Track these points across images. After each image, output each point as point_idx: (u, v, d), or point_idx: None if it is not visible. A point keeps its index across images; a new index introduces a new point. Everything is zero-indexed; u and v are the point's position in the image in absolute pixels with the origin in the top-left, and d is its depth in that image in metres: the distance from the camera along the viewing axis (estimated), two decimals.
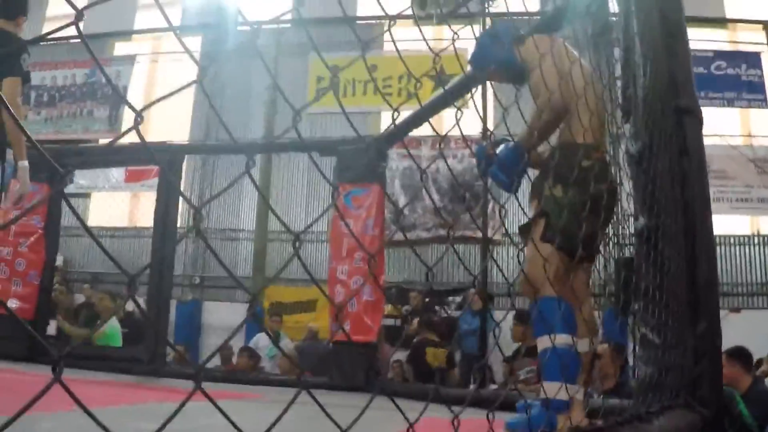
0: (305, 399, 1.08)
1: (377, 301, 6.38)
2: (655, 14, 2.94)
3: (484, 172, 3.67)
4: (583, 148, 3.37)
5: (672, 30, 2.96)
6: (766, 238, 13.18)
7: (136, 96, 15.79)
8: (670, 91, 2.92)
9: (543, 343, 3.20)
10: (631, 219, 3.45)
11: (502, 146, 3.62)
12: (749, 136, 13.62)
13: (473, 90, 4.34)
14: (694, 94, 3.04)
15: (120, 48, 16.72)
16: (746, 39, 14.05)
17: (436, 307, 12.22)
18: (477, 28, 10.85)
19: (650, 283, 2.79)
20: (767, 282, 12.86)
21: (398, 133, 6.74)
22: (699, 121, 3.02)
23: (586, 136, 3.35)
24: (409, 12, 14.54)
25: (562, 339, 3.08)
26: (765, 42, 13.85)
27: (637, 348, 2.84)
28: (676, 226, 2.81)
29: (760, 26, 14.01)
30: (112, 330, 8.65)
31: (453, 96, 5.57)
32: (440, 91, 6.27)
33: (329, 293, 6.51)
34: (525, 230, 3.49)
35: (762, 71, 13.70)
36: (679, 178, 2.86)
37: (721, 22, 14.06)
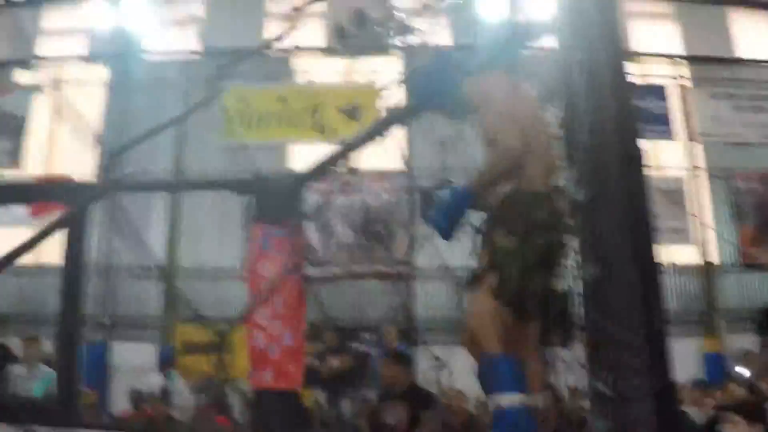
0: None
1: (298, 347, 6.13)
2: (602, 58, 2.83)
3: (424, 215, 3.48)
4: (535, 197, 3.22)
5: (617, 75, 2.86)
6: (678, 268, 13.49)
7: (40, 126, 15.21)
8: (617, 138, 2.81)
9: (491, 403, 3.04)
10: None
11: (446, 189, 3.41)
12: (658, 168, 13.93)
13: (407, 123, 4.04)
14: (638, 140, 2.94)
15: (21, 76, 16.04)
16: (652, 72, 14.40)
17: (352, 345, 12.00)
18: (394, 61, 10.89)
19: (601, 335, 2.69)
20: (681, 311, 13.12)
21: (319, 170, 6.49)
22: (643, 168, 2.93)
23: (539, 183, 3.21)
24: (321, 44, 14.49)
25: (510, 398, 2.93)
26: (671, 75, 14.25)
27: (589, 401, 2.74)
28: (628, 275, 2.71)
29: (666, 59, 14.42)
30: (48, 377, 8.20)
31: (383, 130, 5.31)
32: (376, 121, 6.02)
33: (247, 338, 6.25)
34: (472, 281, 3.31)
35: (668, 104, 14.07)
36: (628, 227, 2.76)
37: (630, 56, 14.37)
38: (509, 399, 2.93)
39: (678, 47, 14.95)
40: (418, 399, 6.62)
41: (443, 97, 3.54)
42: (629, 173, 2.81)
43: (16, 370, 8.80)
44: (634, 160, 2.85)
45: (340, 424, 9.23)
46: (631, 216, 2.76)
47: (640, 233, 2.76)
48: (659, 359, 2.70)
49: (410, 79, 3.82)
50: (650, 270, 2.75)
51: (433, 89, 3.58)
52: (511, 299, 3.09)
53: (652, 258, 2.80)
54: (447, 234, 3.32)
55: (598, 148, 2.82)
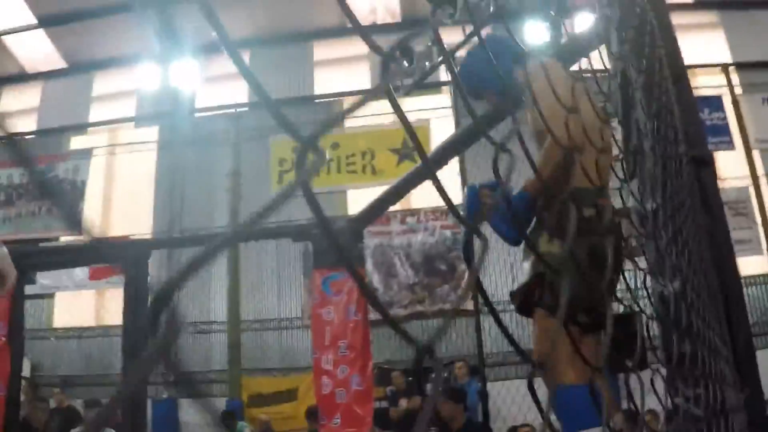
0: None
1: (367, 390, 6.02)
2: (663, 63, 2.68)
3: (472, 218, 3.21)
4: (584, 194, 2.82)
5: (680, 79, 2.72)
6: (747, 279, 13.03)
7: (95, 190, 15.44)
8: (683, 142, 2.66)
9: None
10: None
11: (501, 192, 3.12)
12: (720, 179, 13.56)
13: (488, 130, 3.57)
14: (706, 143, 2.79)
15: (76, 142, 16.32)
16: (705, 83, 14.06)
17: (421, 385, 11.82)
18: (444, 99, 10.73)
19: (683, 350, 2.52)
20: (755, 322, 12.68)
21: (374, 212, 6.40)
22: (714, 172, 2.77)
23: (589, 178, 2.94)
24: (367, 88, 14.49)
25: None
26: (725, 84, 13.92)
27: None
28: (708, 286, 2.54)
29: (718, 69, 14.10)
30: None
31: (452, 152, 5.07)
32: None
33: (315, 385, 6.18)
34: (517, 297, 3.08)
35: (725, 113, 13.73)
36: (705, 234, 2.59)
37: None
38: None
39: (725, 55, 14.63)
40: None
41: (496, 81, 3.21)
42: (700, 178, 2.67)
43: None
44: (703, 164, 2.70)
45: None
46: (707, 224, 2.60)
47: (718, 241, 2.60)
48: (748, 370, 2.54)
49: (464, 62, 3.51)
50: (732, 277, 2.59)
51: (487, 72, 3.23)
52: (569, 312, 2.83)
53: (731, 267, 2.63)
54: (514, 240, 3.05)
55: (664, 154, 2.67)
